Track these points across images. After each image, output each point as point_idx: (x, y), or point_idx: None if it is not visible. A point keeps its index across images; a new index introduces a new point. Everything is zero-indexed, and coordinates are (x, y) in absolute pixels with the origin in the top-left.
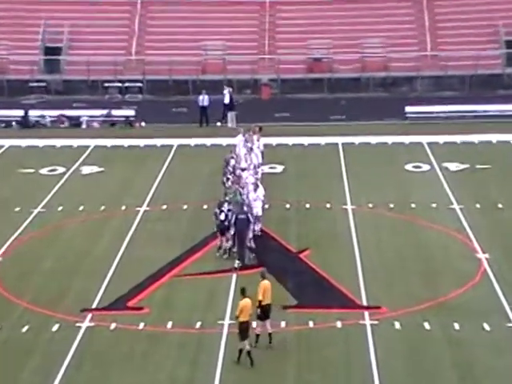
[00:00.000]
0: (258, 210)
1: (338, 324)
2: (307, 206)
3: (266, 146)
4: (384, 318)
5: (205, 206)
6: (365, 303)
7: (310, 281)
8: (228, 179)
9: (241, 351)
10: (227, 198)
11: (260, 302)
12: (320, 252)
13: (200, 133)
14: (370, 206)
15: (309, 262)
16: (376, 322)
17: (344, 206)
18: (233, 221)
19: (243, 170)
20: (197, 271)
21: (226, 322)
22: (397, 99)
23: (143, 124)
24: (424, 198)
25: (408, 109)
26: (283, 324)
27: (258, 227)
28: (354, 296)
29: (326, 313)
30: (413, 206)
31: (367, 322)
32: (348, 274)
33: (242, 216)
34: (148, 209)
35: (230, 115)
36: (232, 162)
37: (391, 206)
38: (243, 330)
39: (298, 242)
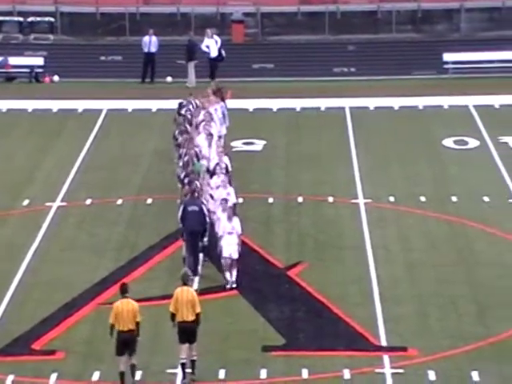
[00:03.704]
0: (232, 251)
1: (346, 374)
2: (299, 199)
3: (237, 111)
4: (413, 365)
5: (149, 201)
6: (384, 343)
7: (304, 310)
8: (182, 133)
9: (122, 375)
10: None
11: (173, 315)
12: (318, 267)
13: (142, 92)
14: (392, 199)
15: (302, 281)
16: (401, 371)
17: (354, 201)
18: (180, 215)
19: (212, 173)
20: (137, 296)
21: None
22: (431, 43)
23: (56, 78)
24: (471, 188)
25: (448, 57)
26: (264, 374)
27: (233, 275)
28: (369, 333)
29: (327, 357)
30: (454, 199)
31: (387, 370)
32: (359, 299)
33: (194, 208)
34: (64, 204)
35: (190, 66)
36: (189, 108)
37: (423, 199)
38: (121, 342)
39: (285, 253)
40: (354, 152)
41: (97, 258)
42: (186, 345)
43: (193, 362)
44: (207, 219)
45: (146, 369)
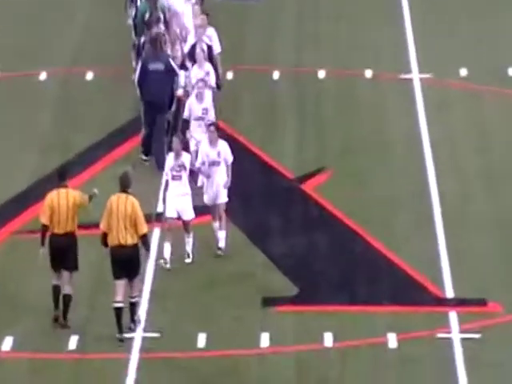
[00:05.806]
0: (176, 209)
1: (391, 340)
2: (320, 74)
3: None
4: (495, 326)
5: (88, 75)
6: (450, 294)
7: (326, 242)
8: None
9: (55, 289)
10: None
11: (104, 236)
12: (347, 178)
13: None
14: (463, 74)
15: (322, 199)
16: (476, 336)
17: (404, 76)
18: (137, 77)
19: (191, 57)
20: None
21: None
22: None
23: None
24: None
25: None
26: (265, 340)
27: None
28: (427, 278)
29: (362, 315)
30: None
31: (455, 334)
32: (411, 227)
33: (157, 66)
34: None
35: None
36: None
37: (510, 73)
38: (54, 249)
39: (298, 157)
40: (405, 3)
41: (10, 161)
42: (124, 281)
43: (132, 305)
44: (178, 81)
45: (84, 334)
